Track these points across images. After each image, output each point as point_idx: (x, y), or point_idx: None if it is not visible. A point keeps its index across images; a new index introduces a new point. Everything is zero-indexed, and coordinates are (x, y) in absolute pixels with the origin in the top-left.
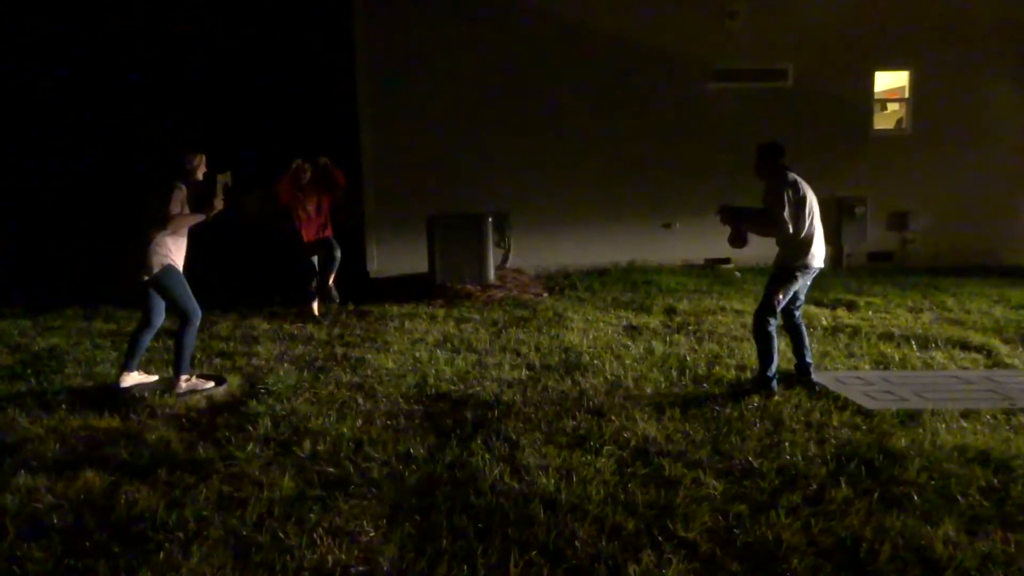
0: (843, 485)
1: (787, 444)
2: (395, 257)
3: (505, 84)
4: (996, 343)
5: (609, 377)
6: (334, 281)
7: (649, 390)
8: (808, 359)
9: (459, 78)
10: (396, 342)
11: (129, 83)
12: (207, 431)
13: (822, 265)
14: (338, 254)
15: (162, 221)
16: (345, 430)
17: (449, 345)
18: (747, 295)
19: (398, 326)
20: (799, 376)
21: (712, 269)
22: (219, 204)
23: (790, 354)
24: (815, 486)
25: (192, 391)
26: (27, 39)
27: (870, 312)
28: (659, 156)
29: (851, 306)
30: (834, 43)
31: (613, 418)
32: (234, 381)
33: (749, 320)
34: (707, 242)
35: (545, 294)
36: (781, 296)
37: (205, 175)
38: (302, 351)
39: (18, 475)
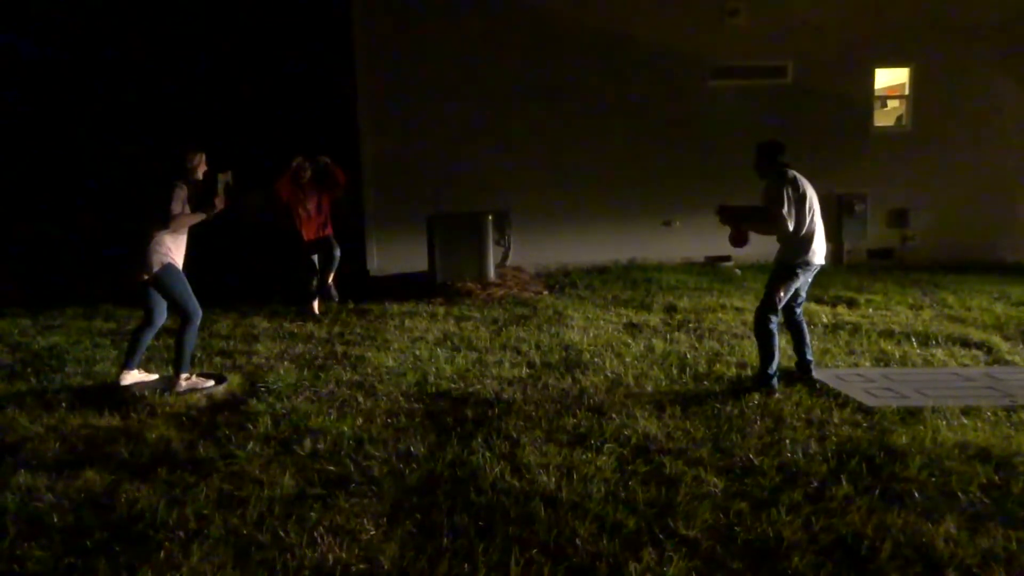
0: (844, 482)
1: (788, 441)
2: (395, 255)
3: (505, 82)
4: (996, 340)
5: (609, 375)
6: (334, 280)
7: (650, 388)
8: (809, 356)
9: (459, 76)
10: (396, 340)
11: (130, 82)
12: (207, 430)
13: (823, 262)
14: (338, 253)
15: (163, 220)
16: (345, 428)
17: (449, 343)
18: (747, 292)
19: (398, 324)
20: (800, 373)
21: (712, 267)
22: (220, 204)
23: (791, 351)
24: (816, 483)
25: (192, 390)
26: (26, 37)
27: (870, 309)
28: (659, 154)
29: (852, 303)
30: (834, 40)
31: (614, 416)
32: (234, 380)
33: (749, 318)
34: (707, 240)
35: (545, 292)
36: (782, 293)
37: (205, 174)
38: (302, 349)
39: (18, 474)
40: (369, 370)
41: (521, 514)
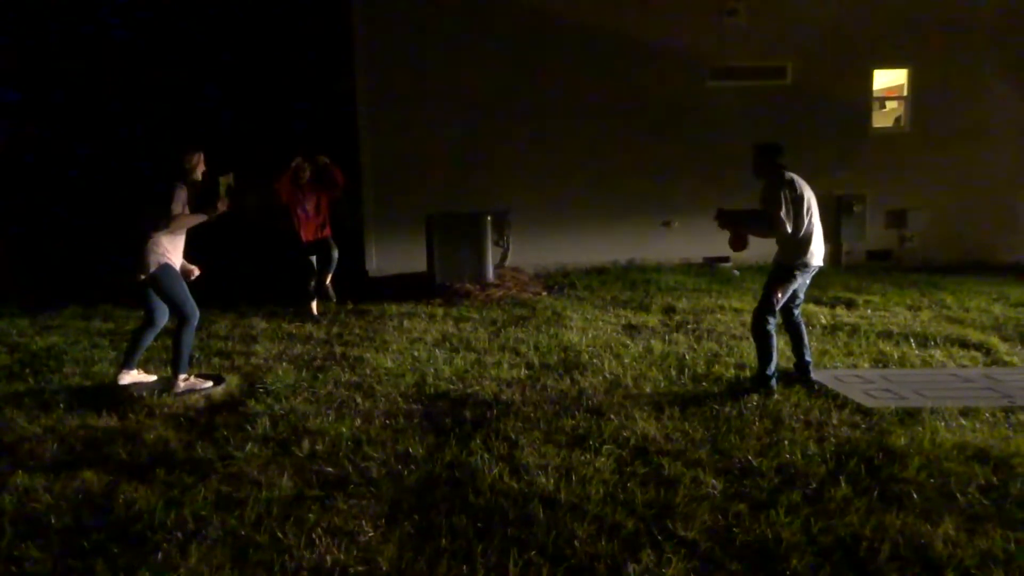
0: (842, 483)
1: (786, 443)
2: (394, 256)
3: (504, 83)
4: (995, 341)
5: (608, 376)
6: (331, 281)
7: (648, 389)
8: (807, 358)
9: (458, 77)
10: (395, 341)
11: (129, 83)
12: (205, 431)
13: (821, 263)
14: (336, 254)
15: (164, 221)
16: (344, 429)
17: (448, 344)
18: (746, 293)
19: (397, 325)
20: (798, 375)
21: (711, 268)
22: (223, 206)
23: (789, 352)
24: (814, 484)
25: (190, 391)
26: (25, 38)
27: (869, 310)
28: (658, 154)
29: (850, 304)
30: (833, 41)
31: (612, 417)
32: (233, 380)
33: (748, 319)
34: (706, 240)
35: (544, 293)
36: (780, 295)
37: (205, 175)
38: (301, 350)
39: (16, 475)
40: (368, 371)
41: (520, 515)
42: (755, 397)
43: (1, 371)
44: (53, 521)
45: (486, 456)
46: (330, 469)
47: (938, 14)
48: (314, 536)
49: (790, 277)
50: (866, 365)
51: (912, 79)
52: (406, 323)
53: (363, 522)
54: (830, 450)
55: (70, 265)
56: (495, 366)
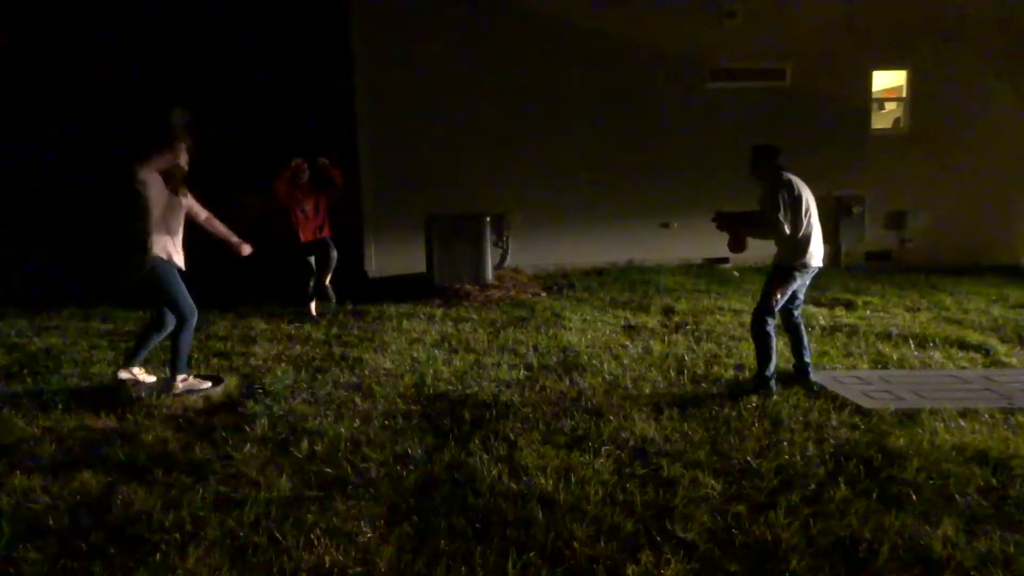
0: (842, 485)
1: (785, 444)
2: (393, 257)
3: (502, 84)
4: (994, 342)
5: (607, 377)
6: (330, 281)
7: (647, 390)
8: (807, 359)
9: (457, 78)
10: (394, 342)
11: (127, 81)
12: (204, 431)
13: (821, 264)
14: (335, 255)
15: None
16: (343, 430)
17: (447, 345)
18: (745, 294)
19: (396, 326)
20: (797, 376)
21: (710, 268)
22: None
23: (788, 354)
24: (814, 486)
25: (189, 391)
26: (24, 39)
27: (868, 311)
28: (657, 155)
29: (849, 305)
30: (832, 43)
31: (611, 418)
32: (231, 381)
33: (747, 320)
34: (705, 241)
35: (543, 294)
36: (779, 296)
37: (189, 165)
38: (300, 351)
39: (14, 475)
40: (367, 372)
41: (519, 516)
42: (754, 398)
43: (0, 371)
44: (51, 522)
45: (485, 457)
46: (329, 470)
47: (937, 16)
48: (313, 537)
49: (789, 278)
50: (865, 366)
51: (911, 80)
52: (405, 324)
53: (362, 523)
54: (829, 451)
55: (66, 266)
56: (494, 367)
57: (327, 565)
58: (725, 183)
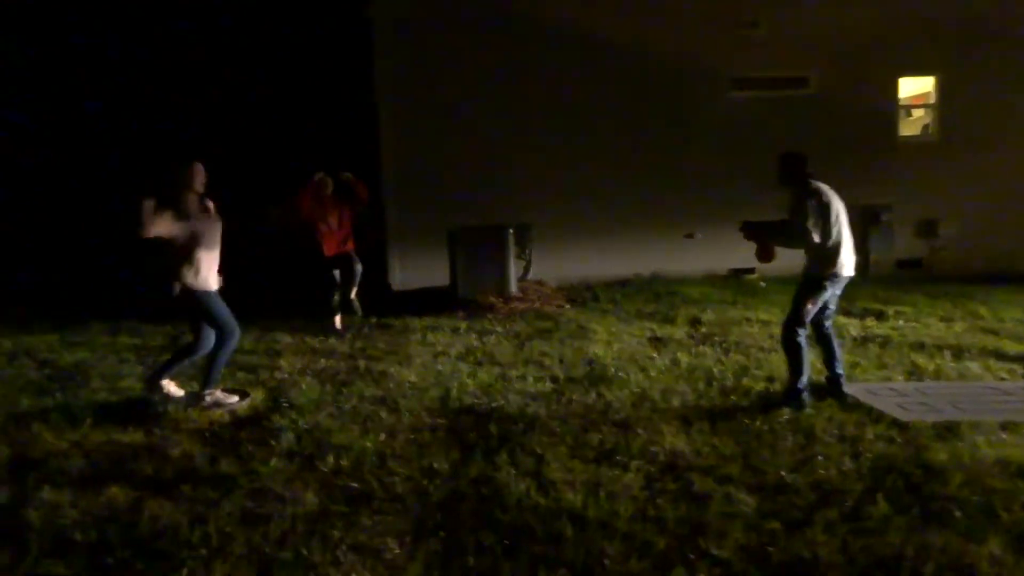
0: (881, 501)
1: (821, 458)
2: (417, 270)
3: (525, 96)
4: None
5: (635, 390)
6: (356, 295)
7: (676, 403)
8: (839, 370)
9: (480, 91)
10: (419, 355)
11: (150, 97)
12: (230, 446)
13: (852, 274)
14: (359, 268)
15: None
16: (368, 444)
17: (472, 358)
18: (773, 305)
19: (420, 339)
20: (830, 388)
21: (736, 279)
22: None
23: (820, 365)
24: (851, 502)
25: (216, 405)
26: (48, 51)
27: (900, 321)
28: (681, 165)
29: (880, 315)
30: (857, 49)
31: (640, 431)
32: (257, 395)
33: (776, 330)
34: (730, 252)
35: (567, 305)
36: (810, 306)
37: (206, 187)
38: (325, 364)
39: (42, 489)
40: (392, 385)
41: (547, 533)
42: (786, 411)
43: (30, 386)
44: (79, 537)
45: (512, 472)
46: (355, 484)
47: (965, 20)
48: (339, 553)
49: (820, 288)
50: (900, 378)
51: (940, 86)
52: (430, 337)
53: (388, 539)
54: (866, 466)
55: (98, 281)
56: (519, 379)
57: None
58: (750, 193)
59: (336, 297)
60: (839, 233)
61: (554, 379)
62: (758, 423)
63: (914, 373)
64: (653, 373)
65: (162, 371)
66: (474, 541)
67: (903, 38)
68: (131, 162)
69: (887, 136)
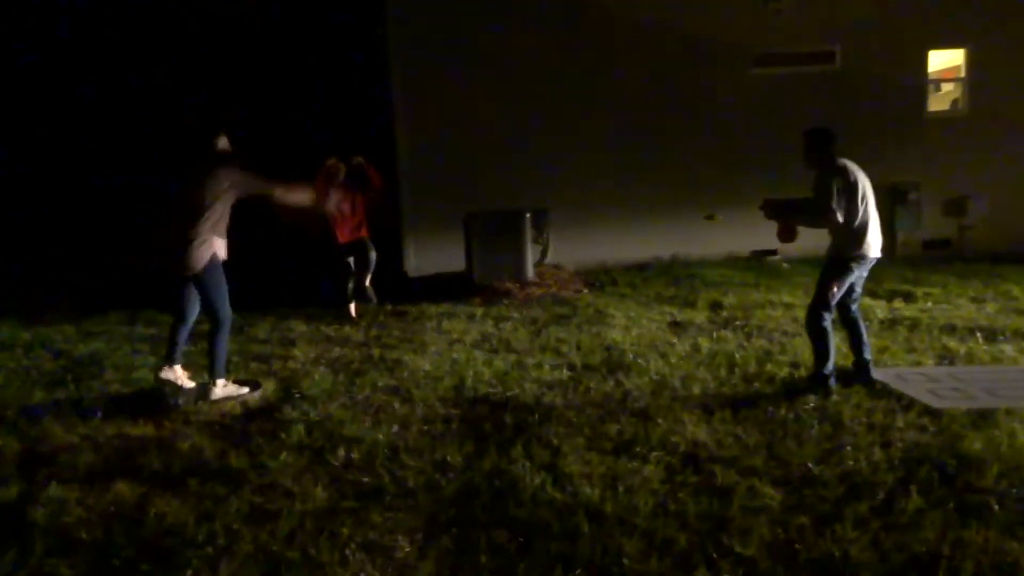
0: (914, 493)
1: (849, 448)
2: (432, 255)
3: (541, 78)
4: None
5: (654, 377)
6: (370, 282)
7: (697, 390)
8: (867, 355)
9: (495, 73)
10: (433, 343)
11: (164, 84)
12: (240, 439)
13: (879, 255)
14: (373, 255)
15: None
16: (380, 436)
17: (487, 345)
18: (797, 287)
19: (435, 326)
20: (857, 373)
21: (758, 261)
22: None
23: (846, 350)
24: (882, 495)
25: (227, 397)
26: (61, 39)
27: (929, 303)
28: (700, 145)
29: (908, 297)
30: (884, 23)
31: (660, 421)
32: (269, 386)
33: (800, 314)
34: (752, 233)
35: (585, 290)
36: (836, 289)
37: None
38: (338, 353)
39: (50, 486)
40: (405, 374)
41: (564, 529)
42: (812, 398)
43: (44, 377)
44: (84, 535)
45: (527, 464)
46: (365, 479)
47: None
48: (348, 552)
49: (846, 270)
50: (930, 362)
51: (970, 60)
52: (445, 324)
53: (399, 536)
54: (898, 456)
55: (105, 268)
56: (536, 367)
57: None
58: (772, 172)
59: (350, 284)
60: (865, 212)
61: (571, 366)
62: (782, 411)
63: (945, 357)
64: (673, 359)
65: (170, 355)
66: (488, 539)
67: (932, 10)
68: (154, 151)
69: (915, 112)
